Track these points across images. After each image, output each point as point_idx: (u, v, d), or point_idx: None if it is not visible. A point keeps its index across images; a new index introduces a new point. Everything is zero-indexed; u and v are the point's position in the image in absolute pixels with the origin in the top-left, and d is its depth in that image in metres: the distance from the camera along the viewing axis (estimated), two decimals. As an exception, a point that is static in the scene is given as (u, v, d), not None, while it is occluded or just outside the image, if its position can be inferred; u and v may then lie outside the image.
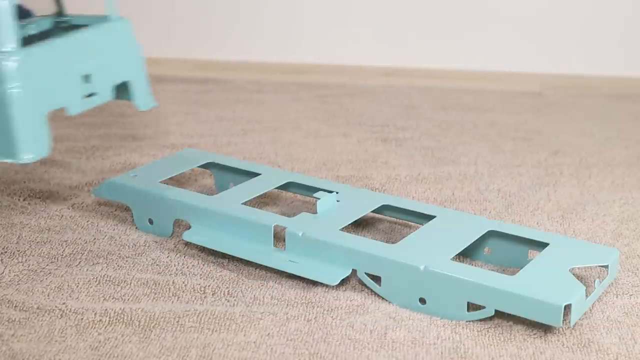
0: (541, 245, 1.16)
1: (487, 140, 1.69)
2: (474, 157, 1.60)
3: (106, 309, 1.09)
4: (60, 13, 1.32)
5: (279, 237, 1.22)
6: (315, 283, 1.15)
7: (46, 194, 1.42)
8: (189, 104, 1.87)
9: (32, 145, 1.12)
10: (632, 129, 1.77)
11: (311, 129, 1.73)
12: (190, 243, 1.25)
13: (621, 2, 2.06)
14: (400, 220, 1.33)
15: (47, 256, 1.22)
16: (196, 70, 2.08)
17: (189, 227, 1.26)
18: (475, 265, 1.21)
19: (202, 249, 1.24)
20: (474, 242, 1.17)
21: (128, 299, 1.11)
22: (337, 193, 1.27)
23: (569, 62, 2.10)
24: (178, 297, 1.12)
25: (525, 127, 1.77)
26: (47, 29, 1.30)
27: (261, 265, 1.19)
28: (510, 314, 1.07)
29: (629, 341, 1.04)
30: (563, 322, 1.04)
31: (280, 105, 1.88)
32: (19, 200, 1.39)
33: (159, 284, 1.15)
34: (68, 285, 1.14)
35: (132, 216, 1.31)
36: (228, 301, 1.11)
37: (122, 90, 1.28)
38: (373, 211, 1.26)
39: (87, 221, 1.33)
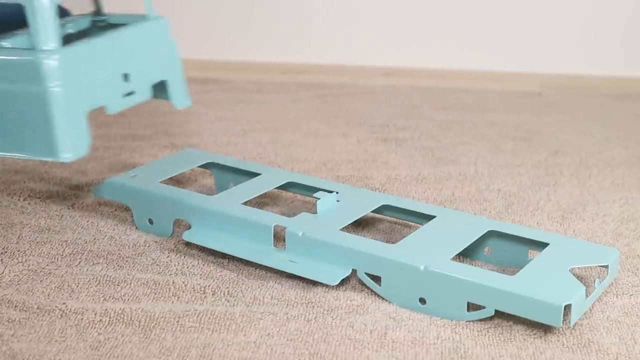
0: (541, 245, 1.16)
1: (487, 140, 1.69)
2: (474, 157, 1.60)
3: (106, 309, 1.09)
4: (97, 12, 1.32)
5: (279, 237, 1.22)
6: (315, 283, 1.15)
7: (46, 194, 1.42)
8: (189, 104, 1.87)
9: (71, 145, 1.12)
10: (632, 129, 1.77)
11: (311, 129, 1.73)
12: (190, 243, 1.25)
13: (621, 2, 2.06)
14: (400, 220, 1.33)
15: (47, 256, 1.22)
16: (196, 70, 2.08)
17: (189, 227, 1.26)
18: (475, 265, 1.21)
19: (202, 249, 1.24)
20: (474, 242, 1.17)
21: (128, 299, 1.11)
22: (337, 193, 1.27)
23: (569, 62, 2.10)
24: (178, 297, 1.12)
25: (525, 127, 1.77)
26: (85, 28, 1.29)
27: (261, 265, 1.19)
28: (510, 314, 1.07)
29: (629, 341, 1.04)
30: (563, 322, 1.04)
31: (280, 105, 1.89)
32: (19, 200, 1.39)
33: (159, 284, 1.15)
34: (68, 285, 1.14)
35: (132, 216, 1.31)
36: (228, 301, 1.11)
37: (159, 88, 1.27)
38: (373, 211, 1.26)
39: (87, 221, 1.33)
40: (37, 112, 1.10)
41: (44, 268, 1.19)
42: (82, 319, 1.07)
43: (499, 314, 1.08)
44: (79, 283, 1.15)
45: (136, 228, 1.30)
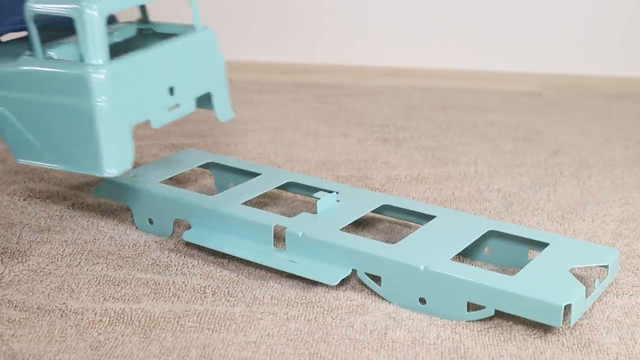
0: (541, 245, 1.16)
1: (487, 140, 1.69)
2: (474, 157, 1.60)
3: (106, 309, 1.09)
4: (144, 20, 1.29)
5: (279, 237, 1.22)
6: (315, 283, 1.15)
7: (46, 194, 1.42)
8: (189, 104, 1.87)
9: (116, 160, 1.10)
10: (632, 129, 1.77)
11: (311, 129, 1.73)
12: (190, 243, 1.25)
13: (621, 2, 2.06)
14: (400, 220, 1.33)
15: (47, 256, 1.22)
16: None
17: (189, 227, 1.26)
18: (475, 265, 1.21)
19: (202, 249, 1.24)
20: (474, 242, 1.17)
21: (128, 299, 1.11)
22: (337, 193, 1.27)
23: (569, 62, 2.10)
24: (178, 297, 1.12)
25: (525, 127, 1.77)
26: (130, 37, 1.27)
27: (261, 265, 1.19)
28: (510, 314, 1.07)
29: (629, 341, 1.04)
30: (563, 322, 1.04)
31: (280, 105, 1.89)
32: (19, 200, 1.39)
33: (159, 284, 1.15)
34: (68, 285, 1.14)
35: (132, 216, 1.31)
36: (228, 301, 1.11)
37: (203, 99, 1.25)
38: (373, 211, 1.26)
39: (87, 221, 1.33)
40: (83, 126, 1.09)
41: (44, 268, 1.19)
42: (82, 319, 1.07)
43: (499, 314, 1.08)
44: (79, 283, 1.15)
45: (136, 228, 1.30)
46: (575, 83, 2.06)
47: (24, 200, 1.39)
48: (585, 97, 1.97)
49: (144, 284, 1.15)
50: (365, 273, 1.13)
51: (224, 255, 1.22)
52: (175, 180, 1.46)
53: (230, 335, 1.04)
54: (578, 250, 1.14)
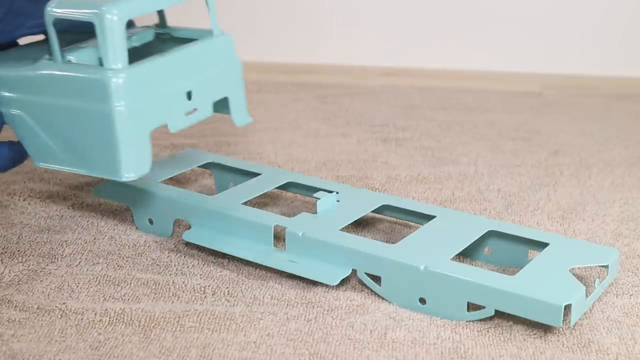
0: (541, 245, 1.16)
1: (487, 140, 1.69)
2: (474, 157, 1.60)
3: (106, 309, 1.09)
4: (162, 24, 1.29)
5: (279, 237, 1.22)
6: (315, 283, 1.15)
7: (46, 194, 1.42)
8: (189, 104, 1.87)
9: (134, 165, 1.10)
10: (632, 129, 1.77)
11: (311, 129, 1.73)
12: (190, 243, 1.25)
13: (621, 2, 2.06)
14: (400, 220, 1.33)
15: (47, 256, 1.22)
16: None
17: (189, 227, 1.26)
18: (475, 265, 1.21)
19: (202, 249, 1.24)
20: (474, 242, 1.17)
21: (128, 299, 1.11)
22: (337, 193, 1.27)
23: (569, 62, 2.10)
24: (178, 297, 1.12)
25: (525, 127, 1.77)
26: (148, 41, 1.26)
27: (261, 265, 1.19)
28: (510, 314, 1.07)
29: (629, 341, 1.04)
30: (563, 322, 1.04)
31: (280, 105, 1.89)
32: (19, 200, 1.39)
33: (159, 284, 1.15)
34: (68, 285, 1.14)
35: (132, 216, 1.31)
36: (228, 301, 1.11)
37: (220, 104, 1.24)
38: (373, 211, 1.26)
39: (87, 221, 1.33)
40: (102, 131, 1.09)
41: (44, 268, 1.19)
42: (82, 319, 1.07)
43: (499, 314, 1.08)
44: (79, 283, 1.15)
45: (136, 228, 1.30)
46: (575, 83, 2.06)
47: (24, 200, 1.39)
48: (585, 97, 1.97)
49: (144, 284, 1.15)
50: (365, 273, 1.13)
51: (224, 255, 1.22)
52: (175, 180, 1.46)
53: (230, 335, 1.04)
54: (578, 250, 1.14)
